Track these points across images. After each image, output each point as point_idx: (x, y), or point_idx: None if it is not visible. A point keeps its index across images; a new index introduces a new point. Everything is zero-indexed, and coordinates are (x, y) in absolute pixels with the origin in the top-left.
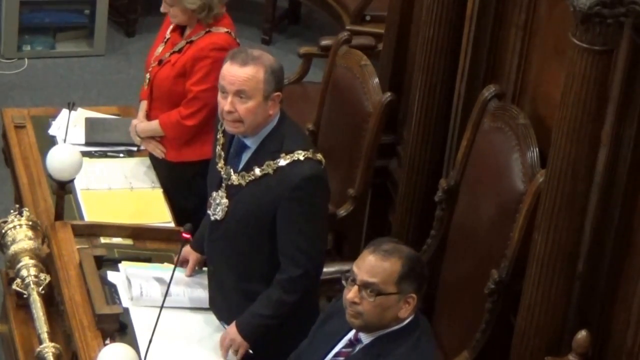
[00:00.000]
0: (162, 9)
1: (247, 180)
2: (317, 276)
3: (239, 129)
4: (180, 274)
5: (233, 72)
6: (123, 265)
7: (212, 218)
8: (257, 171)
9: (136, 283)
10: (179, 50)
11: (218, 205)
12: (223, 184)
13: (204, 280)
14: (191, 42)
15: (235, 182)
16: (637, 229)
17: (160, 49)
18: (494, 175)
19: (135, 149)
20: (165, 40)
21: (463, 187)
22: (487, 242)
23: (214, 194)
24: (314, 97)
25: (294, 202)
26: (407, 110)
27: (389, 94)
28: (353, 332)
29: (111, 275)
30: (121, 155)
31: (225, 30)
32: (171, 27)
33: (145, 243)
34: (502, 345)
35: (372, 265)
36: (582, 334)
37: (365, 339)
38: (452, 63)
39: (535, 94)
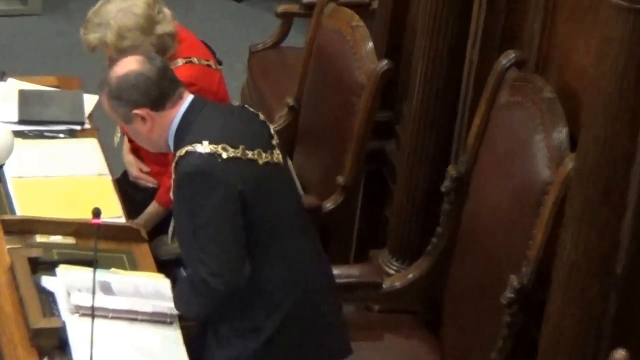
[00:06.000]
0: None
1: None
2: (226, 287)
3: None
4: (133, 279)
5: None
6: (62, 269)
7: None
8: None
9: (77, 291)
10: None
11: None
12: None
13: (165, 290)
14: None
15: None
16: None
17: None
18: (513, 161)
19: (78, 127)
20: None
21: (475, 175)
22: (504, 242)
23: None
24: (295, 66)
25: (175, 205)
26: (407, 81)
27: (385, 61)
28: None
29: (48, 281)
30: (61, 135)
31: (183, 60)
32: None
33: (90, 242)
34: None
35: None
36: (620, 353)
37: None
38: (462, 24)
39: (563, 62)
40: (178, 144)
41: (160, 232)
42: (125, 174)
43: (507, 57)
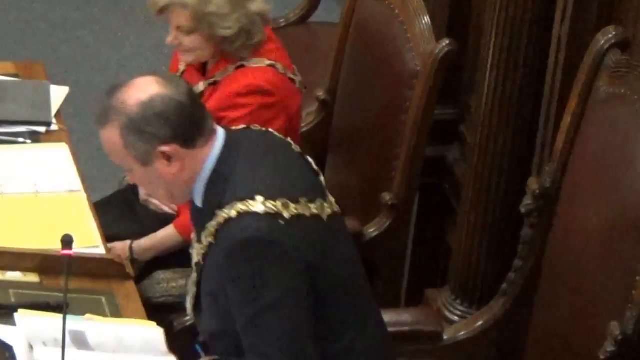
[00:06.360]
0: (169, 40)
1: (202, 255)
2: None
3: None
4: (115, 328)
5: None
6: (23, 315)
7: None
8: (204, 241)
9: (42, 345)
10: (199, 95)
11: (188, 293)
12: (193, 262)
13: (157, 342)
14: (215, 83)
15: (196, 259)
16: None
17: None
18: (614, 172)
19: (43, 129)
20: (179, 73)
21: (565, 191)
22: (603, 278)
23: (192, 276)
24: (327, 47)
25: (230, 283)
26: (475, 68)
27: (446, 41)
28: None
29: (5, 332)
30: (21, 140)
31: (268, 62)
32: None
33: (58, 280)
34: None
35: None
36: None
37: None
38: None
39: None
40: (211, 197)
41: (156, 267)
42: (134, 187)
43: (607, 36)
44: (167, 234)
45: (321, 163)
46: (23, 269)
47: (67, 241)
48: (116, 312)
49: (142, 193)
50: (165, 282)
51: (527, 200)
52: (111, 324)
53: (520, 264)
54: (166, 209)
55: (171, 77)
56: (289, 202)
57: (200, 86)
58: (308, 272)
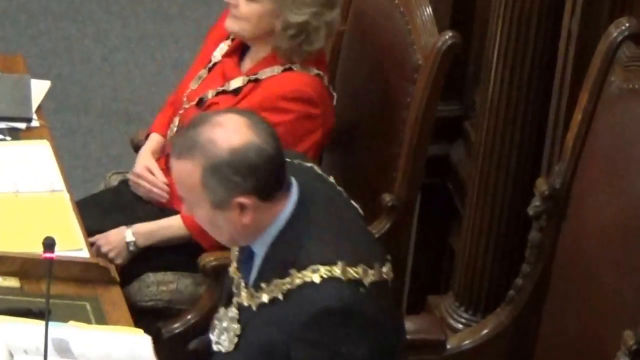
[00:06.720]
0: None
1: (257, 303)
2: None
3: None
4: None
5: (171, 167)
6: (3, 322)
7: (215, 347)
8: (265, 294)
9: (23, 353)
10: (235, 91)
11: (225, 330)
12: (234, 300)
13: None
14: (257, 80)
15: (245, 303)
16: None
17: (202, 75)
18: (628, 172)
19: (23, 126)
20: (211, 64)
21: (576, 192)
22: (615, 284)
23: (221, 311)
24: None
25: (304, 346)
26: (480, 62)
27: (450, 33)
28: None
29: None
30: (0, 136)
31: (317, 71)
32: (225, 45)
33: (40, 285)
34: None
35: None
36: None
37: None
38: None
39: None
40: (281, 252)
41: (145, 269)
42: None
43: (619, 28)
44: (171, 224)
45: (318, 162)
46: (3, 273)
47: (49, 244)
48: (101, 319)
49: (133, 173)
50: (155, 286)
51: (536, 202)
52: (96, 331)
53: (528, 270)
54: (154, 196)
55: (258, 121)
56: (367, 268)
57: (239, 81)
58: (382, 339)
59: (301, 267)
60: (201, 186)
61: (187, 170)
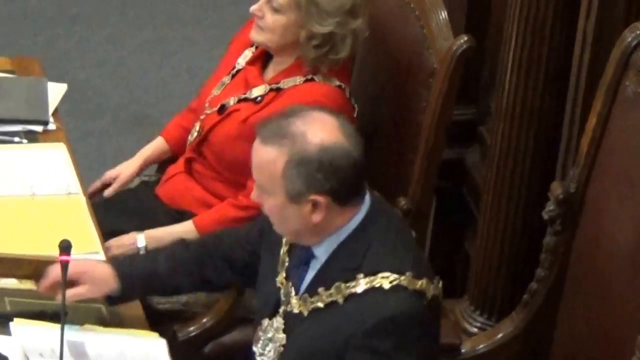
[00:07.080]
0: (254, 8)
1: (310, 308)
2: None
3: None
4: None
5: (253, 150)
6: (18, 325)
7: (259, 359)
8: (322, 298)
9: (39, 356)
10: (256, 99)
11: (270, 341)
12: (281, 310)
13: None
14: (279, 90)
15: (295, 310)
16: None
17: (225, 81)
18: None
19: (40, 128)
20: (235, 71)
21: (591, 196)
22: (630, 289)
23: (265, 322)
24: None
25: (366, 355)
26: (495, 66)
27: (465, 37)
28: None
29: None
30: (17, 139)
31: (338, 83)
32: (249, 52)
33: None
34: None
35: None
36: None
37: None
38: None
39: None
40: (347, 256)
41: None
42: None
43: (635, 32)
44: (182, 229)
45: None
46: (18, 276)
47: (65, 246)
48: (117, 322)
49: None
50: None
51: (550, 206)
52: (111, 334)
53: (542, 274)
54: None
55: (347, 124)
56: (429, 282)
57: (261, 89)
58: (431, 352)
59: (369, 273)
60: (281, 175)
61: (271, 156)
